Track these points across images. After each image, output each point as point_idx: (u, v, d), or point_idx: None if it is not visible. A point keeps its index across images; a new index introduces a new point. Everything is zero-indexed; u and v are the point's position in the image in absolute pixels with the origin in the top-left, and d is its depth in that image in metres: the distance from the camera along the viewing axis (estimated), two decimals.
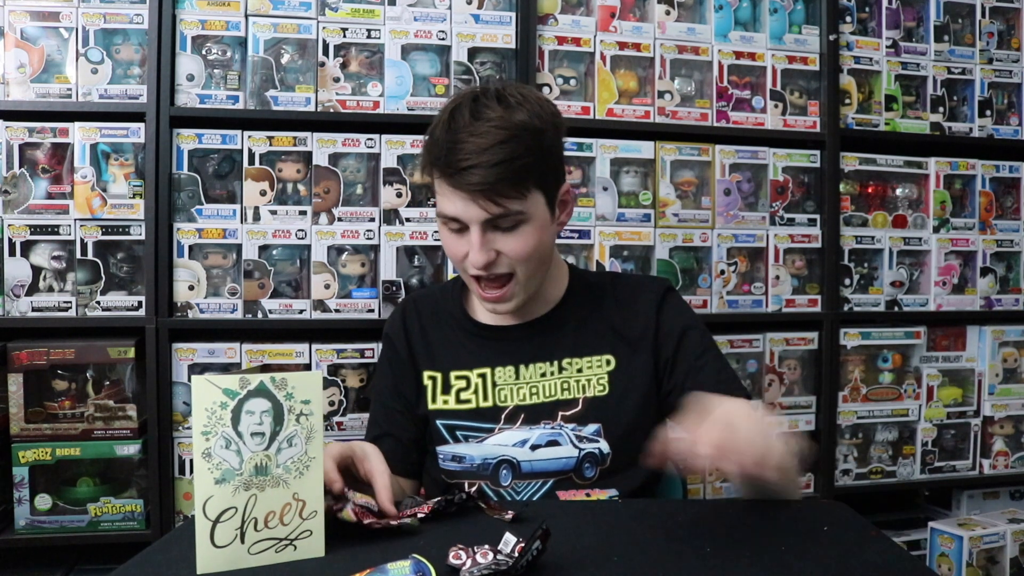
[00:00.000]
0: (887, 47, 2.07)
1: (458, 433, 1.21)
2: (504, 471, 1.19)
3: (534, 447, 1.18)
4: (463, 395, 1.22)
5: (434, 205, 1.82)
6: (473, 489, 0.99)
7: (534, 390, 1.21)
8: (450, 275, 1.81)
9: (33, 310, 1.68)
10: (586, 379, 1.22)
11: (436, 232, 1.81)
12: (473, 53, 1.85)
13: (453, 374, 1.23)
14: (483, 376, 1.22)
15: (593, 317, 1.26)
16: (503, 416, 1.20)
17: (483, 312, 1.26)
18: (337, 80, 1.79)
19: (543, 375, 1.22)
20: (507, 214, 1.10)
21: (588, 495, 1.19)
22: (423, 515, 0.93)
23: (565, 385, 1.21)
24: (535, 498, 1.20)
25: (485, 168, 1.06)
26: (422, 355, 1.26)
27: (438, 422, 1.22)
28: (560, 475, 1.19)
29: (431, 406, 1.23)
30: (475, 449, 1.20)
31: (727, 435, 0.87)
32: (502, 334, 1.25)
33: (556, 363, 1.22)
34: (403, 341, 1.27)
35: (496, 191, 1.08)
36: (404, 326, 1.28)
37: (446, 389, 1.23)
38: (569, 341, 1.23)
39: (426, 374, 1.25)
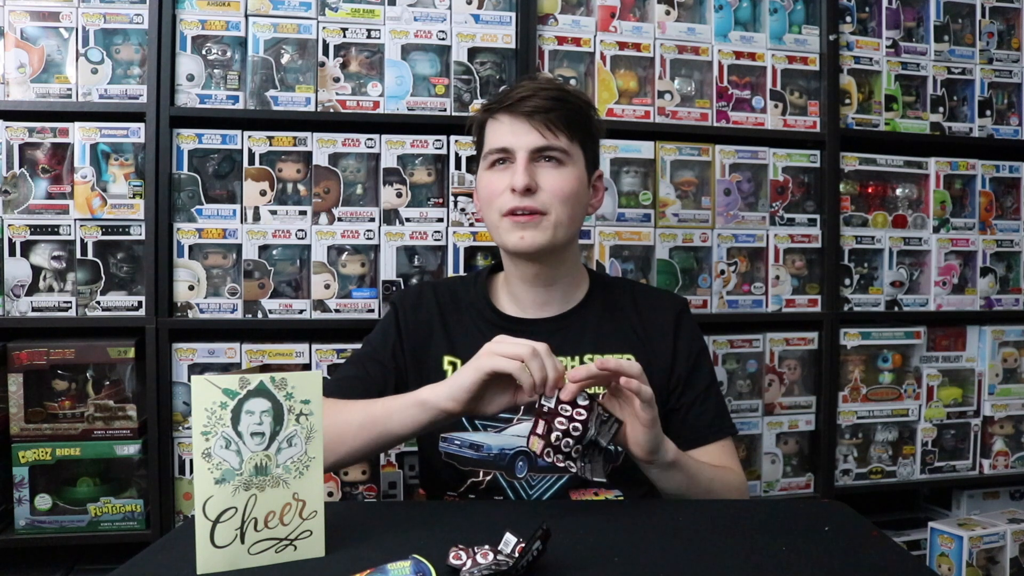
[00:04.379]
0: (887, 47, 2.07)
1: (477, 422, 1.22)
2: (520, 463, 1.20)
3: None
4: None
5: (435, 205, 1.83)
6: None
7: None
8: (450, 275, 1.81)
9: (33, 310, 1.68)
10: None
11: (436, 232, 1.81)
12: (473, 53, 1.85)
13: None
14: None
15: (615, 318, 1.30)
16: (522, 407, 1.21)
17: (508, 304, 1.31)
18: (337, 80, 1.79)
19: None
20: (554, 147, 1.21)
21: (596, 494, 1.20)
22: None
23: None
24: (548, 494, 1.20)
25: (542, 98, 1.20)
26: (440, 339, 1.28)
27: None
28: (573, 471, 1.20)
29: None
30: (493, 439, 1.21)
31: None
32: (526, 327, 1.27)
33: (578, 358, 1.25)
34: (411, 317, 1.30)
35: (550, 119, 1.20)
36: (418, 304, 1.32)
37: None
38: (591, 338, 1.27)
39: (447, 359, 1.27)
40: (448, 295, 1.33)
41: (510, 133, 1.21)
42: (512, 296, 1.30)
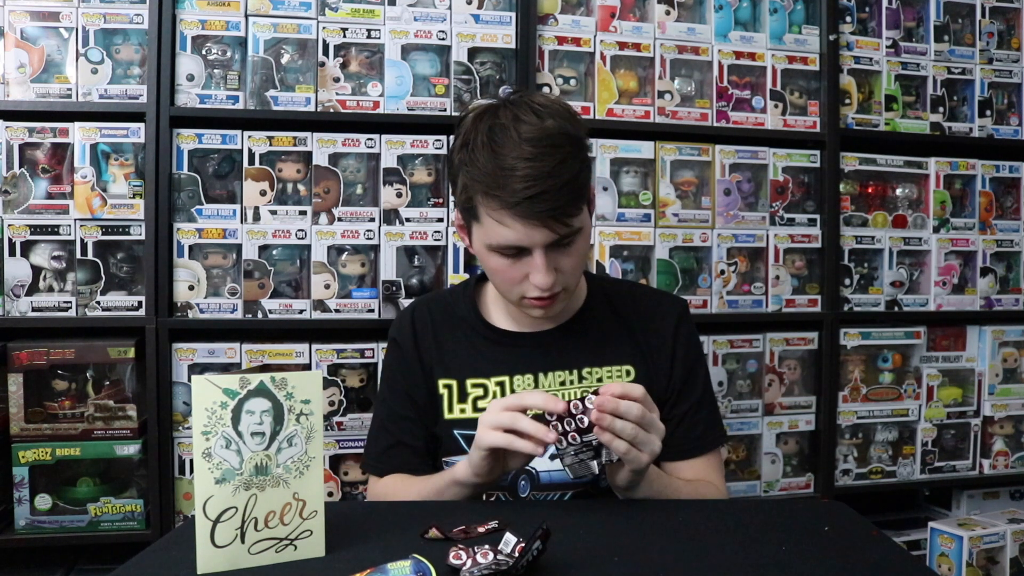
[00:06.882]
0: (887, 47, 2.07)
1: None
2: (523, 482, 1.17)
3: (553, 456, 1.13)
4: (481, 403, 1.19)
5: (435, 205, 1.83)
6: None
7: None
8: (450, 277, 1.81)
9: (33, 310, 1.68)
10: None
11: (436, 232, 1.81)
12: (473, 53, 1.85)
13: (470, 382, 1.20)
14: (501, 384, 1.19)
15: (615, 326, 1.24)
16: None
17: (500, 317, 1.25)
18: (337, 80, 1.79)
19: (563, 383, 1.20)
20: (570, 232, 1.08)
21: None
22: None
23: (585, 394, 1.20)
24: None
25: (554, 193, 1.03)
26: (436, 362, 1.22)
27: (456, 432, 1.19)
28: (577, 487, 1.17)
29: (448, 415, 1.20)
30: None
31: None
32: (522, 340, 1.22)
33: (576, 371, 1.20)
34: (412, 345, 1.24)
35: (565, 212, 1.06)
36: (414, 330, 1.25)
37: (463, 397, 1.20)
38: (590, 349, 1.22)
39: (441, 382, 1.21)
40: (441, 310, 1.27)
41: (524, 231, 1.06)
42: (507, 312, 1.24)
